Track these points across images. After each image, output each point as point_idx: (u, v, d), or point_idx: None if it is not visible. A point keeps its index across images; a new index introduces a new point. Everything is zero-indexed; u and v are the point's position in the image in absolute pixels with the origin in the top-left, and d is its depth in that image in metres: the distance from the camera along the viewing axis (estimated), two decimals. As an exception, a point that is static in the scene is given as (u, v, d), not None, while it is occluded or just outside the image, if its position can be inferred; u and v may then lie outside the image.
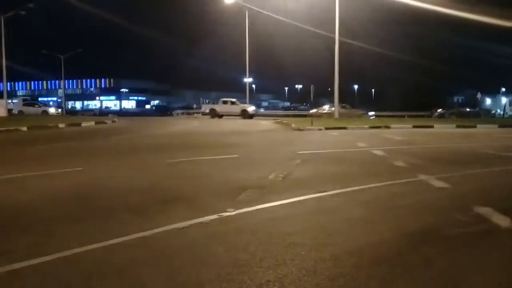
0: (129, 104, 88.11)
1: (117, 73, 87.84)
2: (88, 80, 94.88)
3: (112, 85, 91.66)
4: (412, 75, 69.92)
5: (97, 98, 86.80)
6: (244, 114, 36.60)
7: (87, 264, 3.38)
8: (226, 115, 36.82)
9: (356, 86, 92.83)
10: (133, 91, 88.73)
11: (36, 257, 3.44)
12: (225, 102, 38.95)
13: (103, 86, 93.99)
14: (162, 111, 61.59)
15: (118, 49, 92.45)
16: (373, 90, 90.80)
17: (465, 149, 12.46)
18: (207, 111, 39.50)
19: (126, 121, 32.03)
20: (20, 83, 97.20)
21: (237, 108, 37.97)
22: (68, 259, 3.46)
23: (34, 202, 5.53)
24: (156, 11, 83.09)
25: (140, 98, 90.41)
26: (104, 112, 59.55)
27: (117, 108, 78.53)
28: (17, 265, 3.30)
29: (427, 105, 45.70)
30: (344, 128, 21.92)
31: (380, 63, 67.85)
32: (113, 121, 30.29)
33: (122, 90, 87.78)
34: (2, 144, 14.46)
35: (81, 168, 8.19)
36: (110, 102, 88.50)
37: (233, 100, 38.93)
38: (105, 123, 28.20)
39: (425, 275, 3.22)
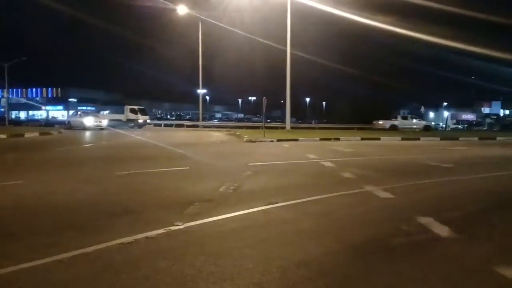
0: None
1: (66, 82, 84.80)
2: (34, 89, 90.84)
3: (59, 95, 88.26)
4: (362, 89, 72.34)
5: (43, 108, 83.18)
6: (427, 129, 38.58)
7: (25, 283, 3.19)
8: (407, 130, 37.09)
9: (308, 99, 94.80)
10: (82, 101, 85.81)
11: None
12: (404, 118, 41.31)
13: (49, 95, 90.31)
14: (112, 122, 59.66)
15: (67, 57, 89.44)
16: (324, 102, 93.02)
17: (409, 160, 12.97)
18: (387, 126, 39.32)
19: (74, 131, 30.90)
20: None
21: (419, 123, 40.24)
22: (3, 278, 3.26)
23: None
24: (108, 20, 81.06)
25: (89, 108, 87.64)
26: (51, 123, 56.80)
27: (65, 118, 75.57)
28: None
29: (375, 118, 47.33)
30: (296, 140, 22.25)
31: (331, 77, 69.85)
32: (60, 132, 29.13)
33: (70, 99, 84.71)
34: None
35: (21, 181, 7.79)
36: (58, 112, 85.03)
37: (415, 116, 41.89)
38: (51, 134, 27.05)
39: (369, 285, 3.29)
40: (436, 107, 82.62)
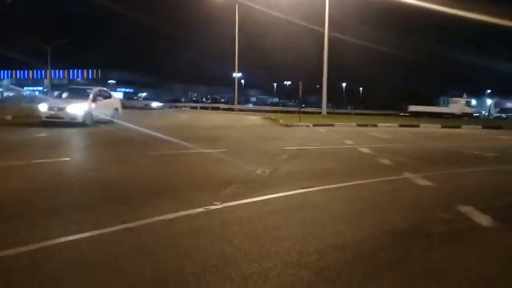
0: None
1: (105, 64, 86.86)
2: (76, 70, 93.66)
3: (99, 76, 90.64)
4: (401, 74, 70.50)
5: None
6: None
7: (69, 253, 3.37)
8: None
9: (344, 84, 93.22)
10: (120, 83, 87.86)
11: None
12: None
13: (90, 77, 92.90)
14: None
15: (107, 39, 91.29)
16: (360, 88, 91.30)
17: (449, 148, 12.63)
18: None
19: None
20: (5, 71, 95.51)
21: None
22: (50, 248, 3.44)
23: None
24: (147, 3, 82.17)
25: (127, 90, 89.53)
26: None
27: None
28: None
29: (414, 104, 46.17)
30: (332, 125, 22.03)
31: (370, 61, 68.17)
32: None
33: (109, 81, 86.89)
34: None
35: (68, 159, 8.14)
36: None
37: None
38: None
39: (406, 271, 3.28)
40: (479, 95, 79.52)
